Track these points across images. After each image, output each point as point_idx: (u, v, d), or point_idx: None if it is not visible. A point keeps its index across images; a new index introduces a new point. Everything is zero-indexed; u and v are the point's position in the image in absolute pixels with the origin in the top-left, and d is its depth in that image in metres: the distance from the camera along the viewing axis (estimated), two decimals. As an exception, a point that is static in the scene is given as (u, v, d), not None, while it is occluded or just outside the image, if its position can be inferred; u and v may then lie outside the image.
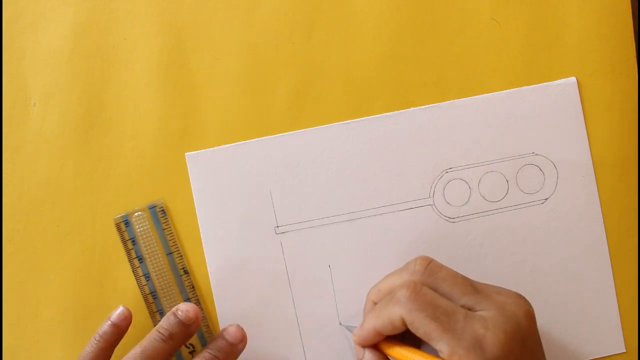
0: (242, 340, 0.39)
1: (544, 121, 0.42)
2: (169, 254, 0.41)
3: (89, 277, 0.41)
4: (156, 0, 0.42)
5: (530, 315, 0.34)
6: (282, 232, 0.41)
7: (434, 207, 0.41)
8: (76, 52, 0.42)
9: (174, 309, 0.38)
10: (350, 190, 0.41)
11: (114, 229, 0.41)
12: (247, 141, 0.42)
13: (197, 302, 0.41)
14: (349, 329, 0.41)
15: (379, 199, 0.41)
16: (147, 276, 0.40)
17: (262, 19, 0.42)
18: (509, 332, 0.32)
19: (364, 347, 0.36)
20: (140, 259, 0.40)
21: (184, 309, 0.38)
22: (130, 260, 0.40)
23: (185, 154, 0.42)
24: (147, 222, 0.40)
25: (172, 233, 0.41)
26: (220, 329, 0.41)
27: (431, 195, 0.41)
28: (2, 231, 0.41)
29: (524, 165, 0.41)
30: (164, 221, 0.41)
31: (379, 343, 0.36)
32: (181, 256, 0.41)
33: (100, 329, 0.37)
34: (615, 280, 0.42)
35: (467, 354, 0.31)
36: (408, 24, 0.42)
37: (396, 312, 0.33)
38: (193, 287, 0.41)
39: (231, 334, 0.38)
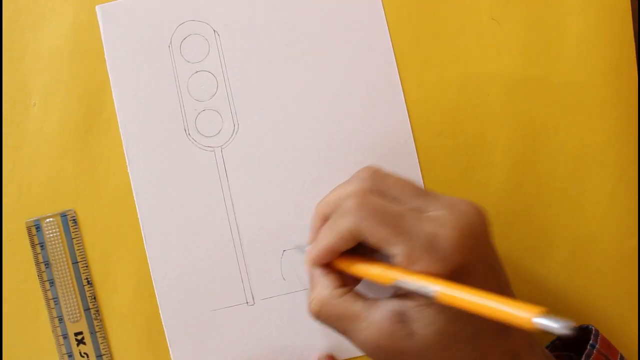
0: None
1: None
2: (75, 263, 0.40)
3: (88, 277, 0.41)
4: (156, 0, 0.42)
5: (480, 213, 0.32)
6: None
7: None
8: (76, 52, 0.42)
9: None
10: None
11: (115, 229, 0.41)
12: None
13: (97, 312, 0.40)
14: (299, 249, 0.40)
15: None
16: (52, 282, 0.40)
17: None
18: (461, 228, 0.31)
19: (317, 265, 0.35)
20: (47, 264, 0.40)
21: None
22: (37, 264, 0.40)
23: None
24: (57, 229, 0.40)
25: (80, 243, 0.41)
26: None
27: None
28: (2, 231, 0.41)
29: None
30: (73, 230, 0.40)
31: (334, 261, 0.35)
32: (86, 266, 0.41)
33: None
34: (616, 281, 0.42)
35: (422, 254, 0.30)
36: (408, 23, 0.42)
37: (346, 223, 0.32)
38: (94, 297, 0.41)
39: None
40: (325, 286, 0.34)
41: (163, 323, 0.40)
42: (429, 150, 0.42)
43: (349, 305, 0.33)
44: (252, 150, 0.41)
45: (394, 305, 0.32)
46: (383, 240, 0.31)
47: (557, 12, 0.42)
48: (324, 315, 0.34)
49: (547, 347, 0.40)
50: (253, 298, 0.41)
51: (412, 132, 0.42)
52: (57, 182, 0.41)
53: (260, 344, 0.40)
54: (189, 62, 0.41)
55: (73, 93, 0.42)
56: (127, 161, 0.41)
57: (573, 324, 0.24)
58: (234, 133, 0.41)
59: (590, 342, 0.36)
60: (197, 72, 0.41)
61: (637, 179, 0.42)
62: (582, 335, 0.38)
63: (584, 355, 0.35)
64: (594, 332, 0.37)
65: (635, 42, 0.42)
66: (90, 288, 0.41)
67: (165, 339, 0.41)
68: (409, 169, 0.42)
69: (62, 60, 0.42)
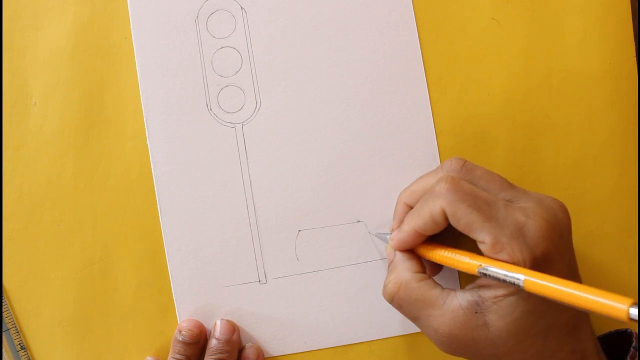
0: (235, 331, 0.39)
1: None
2: (5, 330, 0.40)
3: (89, 277, 0.41)
4: (156, 0, 0.42)
5: (565, 211, 0.33)
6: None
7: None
8: (77, 51, 0.42)
9: (177, 330, 0.39)
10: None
11: (115, 229, 0.41)
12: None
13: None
14: (380, 236, 0.40)
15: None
16: None
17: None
18: (549, 220, 0.32)
19: (401, 250, 0.36)
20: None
21: (186, 327, 0.39)
22: None
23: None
24: None
25: (8, 311, 0.40)
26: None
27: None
28: (2, 231, 0.41)
29: None
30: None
31: (415, 248, 0.36)
32: (17, 332, 0.40)
33: None
34: (616, 280, 0.42)
35: (510, 242, 0.31)
36: (408, 24, 0.43)
37: (437, 205, 0.33)
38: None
39: (222, 330, 0.39)
40: (405, 269, 0.35)
41: (174, 298, 0.41)
42: (430, 150, 0.42)
43: (426, 290, 0.34)
44: (273, 128, 0.41)
45: (471, 295, 0.32)
46: (472, 224, 0.31)
47: (557, 12, 0.42)
48: (399, 297, 0.34)
49: None
50: (266, 277, 0.41)
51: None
52: (57, 182, 0.41)
53: (270, 322, 0.41)
54: (214, 37, 0.41)
55: (73, 93, 0.42)
56: (146, 133, 0.41)
57: None
58: (256, 110, 0.41)
59: (634, 344, 0.36)
60: (222, 47, 0.41)
61: (637, 179, 0.42)
62: (618, 341, 0.38)
63: (628, 357, 0.35)
64: (635, 334, 0.36)
65: (635, 42, 0.42)
66: (25, 353, 0.40)
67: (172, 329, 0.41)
68: (428, 156, 0.42)
69: (62, 60, 0.42)
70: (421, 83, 0.42)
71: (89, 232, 0.41)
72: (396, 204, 0.38)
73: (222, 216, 0.41)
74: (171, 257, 0.41)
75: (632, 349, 0.35)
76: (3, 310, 0.40)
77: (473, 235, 0.32)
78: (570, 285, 0.28)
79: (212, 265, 0.41)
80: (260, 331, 0.41)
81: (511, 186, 0.34)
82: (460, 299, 0.32)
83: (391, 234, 0.37)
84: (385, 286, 0.35)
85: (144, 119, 0.41)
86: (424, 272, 0.35)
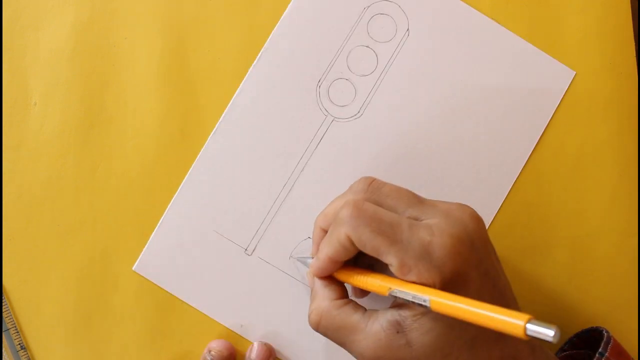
0: (271, 356, 0.40)
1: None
2: (5, 330, 0.40)
3: (89, 277, 0.41)
4: (156, 0, 0.42)
5: (476, 218, 0.33)
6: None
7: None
8: (77, 51, 0.42)
9: (206, 350, 0.39)
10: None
11: (115, 229, 0.41)
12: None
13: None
14: (302, 261, 0.40)
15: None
16: None
17: (262, 20, 0.42)
18: (455, 235, 0.31)
19: (320, 278, 0.35)
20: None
21: (217, 348, 0.39)
22: None
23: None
24: None
25: (8, 311, 0.40)
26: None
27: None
28: (2, 231, 0.41)
29: None
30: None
31: (335, 273, 0.35)
32: (17, 332, 0.40)
33: None
34: (616, 280, 0.42)
35: (416, 263, 0.30)
36: (408, 24, 0.43)
37: (342, 232, 0.32)
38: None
39: (258, 354, 0.39)
40: (324, 297, 0.34)
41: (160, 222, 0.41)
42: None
43: (347, 316, 0.33)
44: (352, 138, 0.42)
45: (391, 315, 0.32)
46: (378, 248, 0.31)
47: (557, 12, 0.43)
48: (323, 327, 0.34)
49: (564, 345, 0.40)
50: (254, 251, 0.41)
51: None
52: (57, 182, 0.41)
53: (236, 294, 0.41)
54: (372, 39, 0.42)
55: (73, 93, 0.42)
56: (244, 77, 0.42)
57: (559, 333, 0.24)
58: (354, 116, 0.42)
59: (600, 350, 0.35)
60: (367, 46, 0.42)
61: (637, 179, 0.42)
62: (599, 335, 0.38)
63: None
64: (604, 338, 0.36)
65: (635, 42, 0.42)
66: (25, 353, 0.40)
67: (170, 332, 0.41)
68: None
69: (62, 60, 0.42)
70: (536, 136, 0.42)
71: (89, 232, 0.41)
72: (313, 229, 0.37)
73: (259, 176, 0.41)
74: (183, 189, 0.41)
75: (597, 354, 0.35)
76: (3, 310, 0.40)
77: (382, 259, 0.31)
78: (470, 304, 0.27)
79: (218, 208, 0.41)
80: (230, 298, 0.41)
81: (419, 201, 0.33)
82: (381, 321, 0.32)
83: (312, 258, 0.36)
84: (308, 316, 0.35)
85: (250, 69, 0.42)
86: (344, 297, 0.35)
